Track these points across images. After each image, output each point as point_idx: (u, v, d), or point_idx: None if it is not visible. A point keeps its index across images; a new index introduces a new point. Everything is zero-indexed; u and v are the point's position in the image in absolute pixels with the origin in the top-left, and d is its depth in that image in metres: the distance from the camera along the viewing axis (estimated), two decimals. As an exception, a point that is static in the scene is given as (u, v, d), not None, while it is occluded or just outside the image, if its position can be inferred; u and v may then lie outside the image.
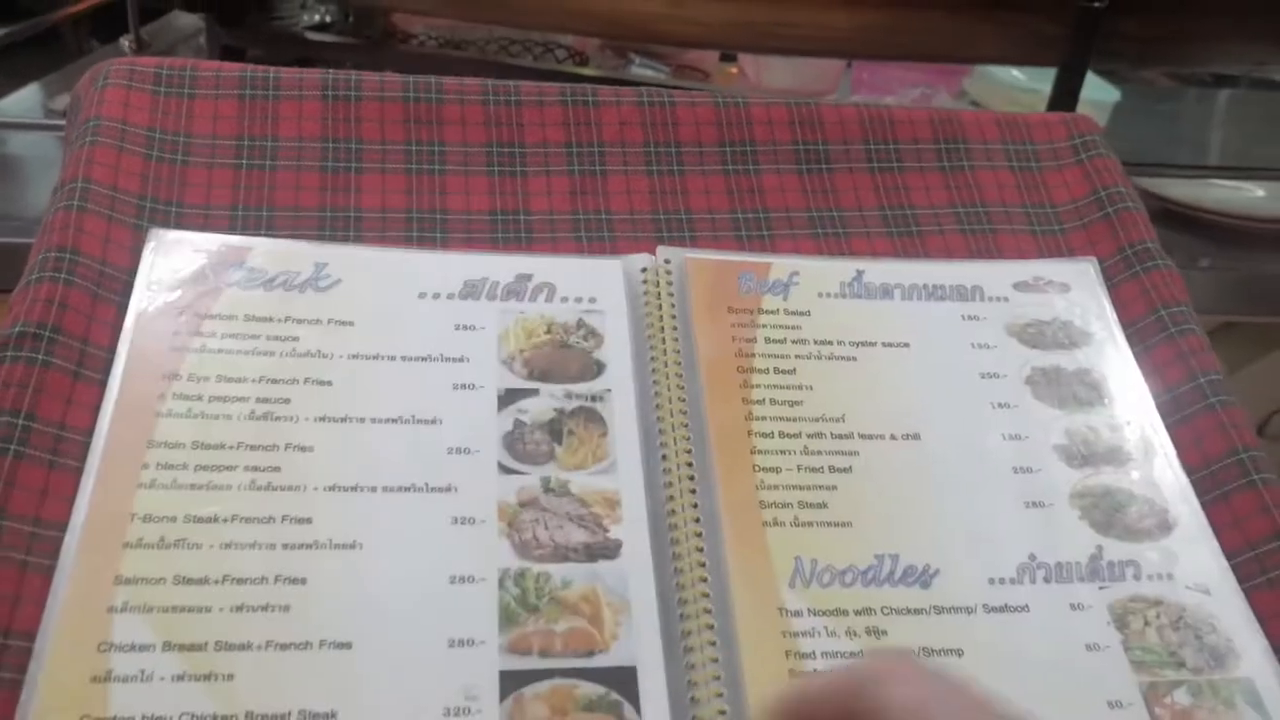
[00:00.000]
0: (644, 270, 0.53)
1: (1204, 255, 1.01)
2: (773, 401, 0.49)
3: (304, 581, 0.41)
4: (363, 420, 0.46)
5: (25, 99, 1.20)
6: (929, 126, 0.60)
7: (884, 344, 0.52)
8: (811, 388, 0.50)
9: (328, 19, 1.45)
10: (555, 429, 0.47)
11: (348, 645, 0.40)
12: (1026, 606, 0.44)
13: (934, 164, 0.60)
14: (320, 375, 0.47)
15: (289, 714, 0.38)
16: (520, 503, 0.44)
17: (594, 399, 0.48)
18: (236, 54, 1.26)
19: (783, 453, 0.47)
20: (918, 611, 0.43)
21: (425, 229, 0.54)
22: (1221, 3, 0.81)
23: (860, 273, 0.54)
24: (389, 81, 0.57)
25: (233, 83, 0.56)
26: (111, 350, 0.46)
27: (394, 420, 0.46)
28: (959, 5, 0.85)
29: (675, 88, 1.24)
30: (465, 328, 0.49)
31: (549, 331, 0.50)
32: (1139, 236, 0.56)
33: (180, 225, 0.51)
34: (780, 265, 0.54)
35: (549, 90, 0.58)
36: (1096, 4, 0.81)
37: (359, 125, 0.56)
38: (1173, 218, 1.05)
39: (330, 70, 0.57)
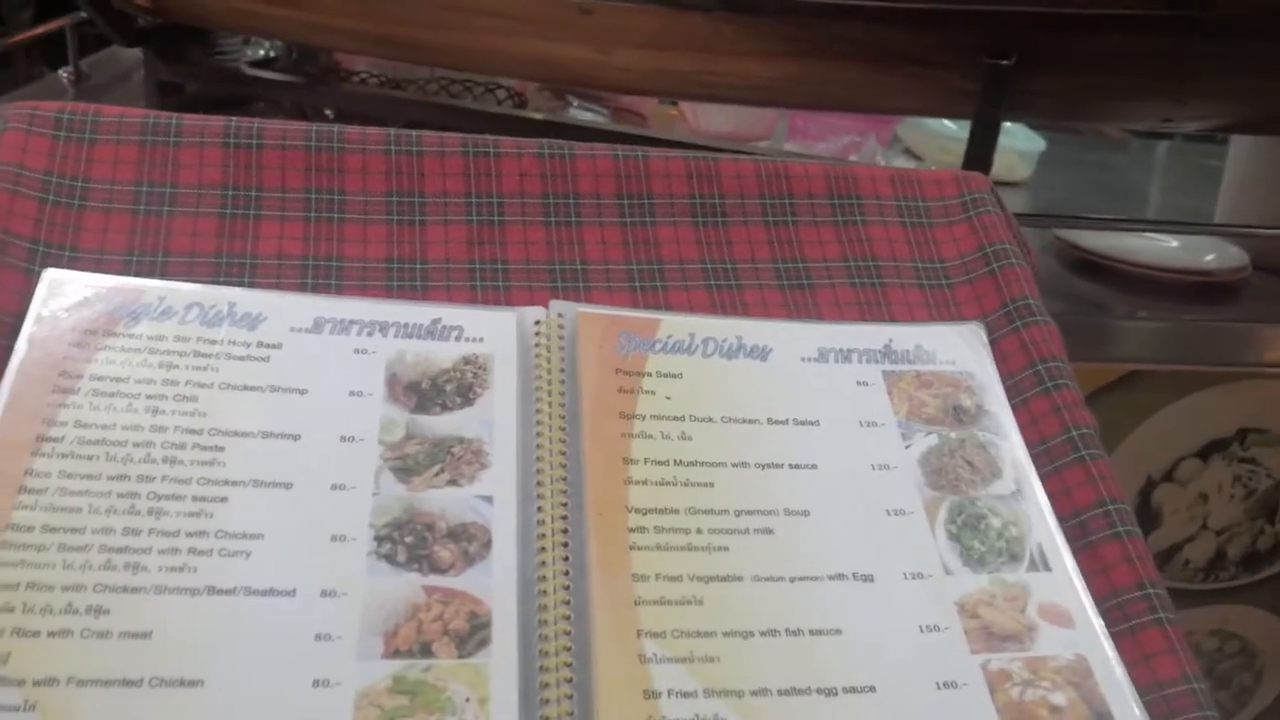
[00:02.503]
0: (537, 323, 0.53)
1: (1118, 304, 1.04)
2: (652, 464, 0.49)
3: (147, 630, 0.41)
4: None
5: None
6: (824, 182, 0.62)
7: (769, 420, 0.52)
8: (693, 463, 0.50)
9: (272, 54, 1.46)
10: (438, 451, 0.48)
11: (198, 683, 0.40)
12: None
13: (828, 219, 0.61)
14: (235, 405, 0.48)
15: None
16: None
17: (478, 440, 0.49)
18: (174, 89, 1.27)
19: (659, 529, 0.47)
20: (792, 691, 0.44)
21: (321, 276, 0.54)
22: (1123, 61, 0.83)
23: (740, 338, 0.55)
24: (291, 130, 0.58)
25: (135, 128, 0.56)
26: (-7, 395, 0.46)
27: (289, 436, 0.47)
28: (873, 59, 0.87)
29: (612, 132, 1.26)
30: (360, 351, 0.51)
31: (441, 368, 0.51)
32: (1021, 292, 0.58)
33: (74, 269, 0.51)
34: (669, 324, 0.55)
35: (451, 141, 0.59)
36: (1005, 61, 0.83)
37: (260, 173, 0.56)
38: (1090, 267, 1.08)
39: (233, 119, 0.57)
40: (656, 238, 0.59)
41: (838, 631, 0.45)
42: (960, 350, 0.57)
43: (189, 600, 0.42)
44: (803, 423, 0.52)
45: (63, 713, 0.38)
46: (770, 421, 0.52)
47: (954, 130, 1.34)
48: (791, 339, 0.55)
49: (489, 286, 0.56)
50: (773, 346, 0.55)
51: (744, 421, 0.52)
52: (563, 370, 0.52)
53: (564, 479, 0.48)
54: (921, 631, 0.46)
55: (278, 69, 1.39)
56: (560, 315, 0.54)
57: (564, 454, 0.49)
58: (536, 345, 0.53)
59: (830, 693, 0.43)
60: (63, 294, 0.50)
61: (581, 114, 1.35)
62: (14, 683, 0.39)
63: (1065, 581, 0.49)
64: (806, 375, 0.54)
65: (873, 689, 0.44)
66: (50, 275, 0.50)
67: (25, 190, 0.53)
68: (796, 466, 0.50)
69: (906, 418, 0.53)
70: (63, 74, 1.37)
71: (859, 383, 0.54)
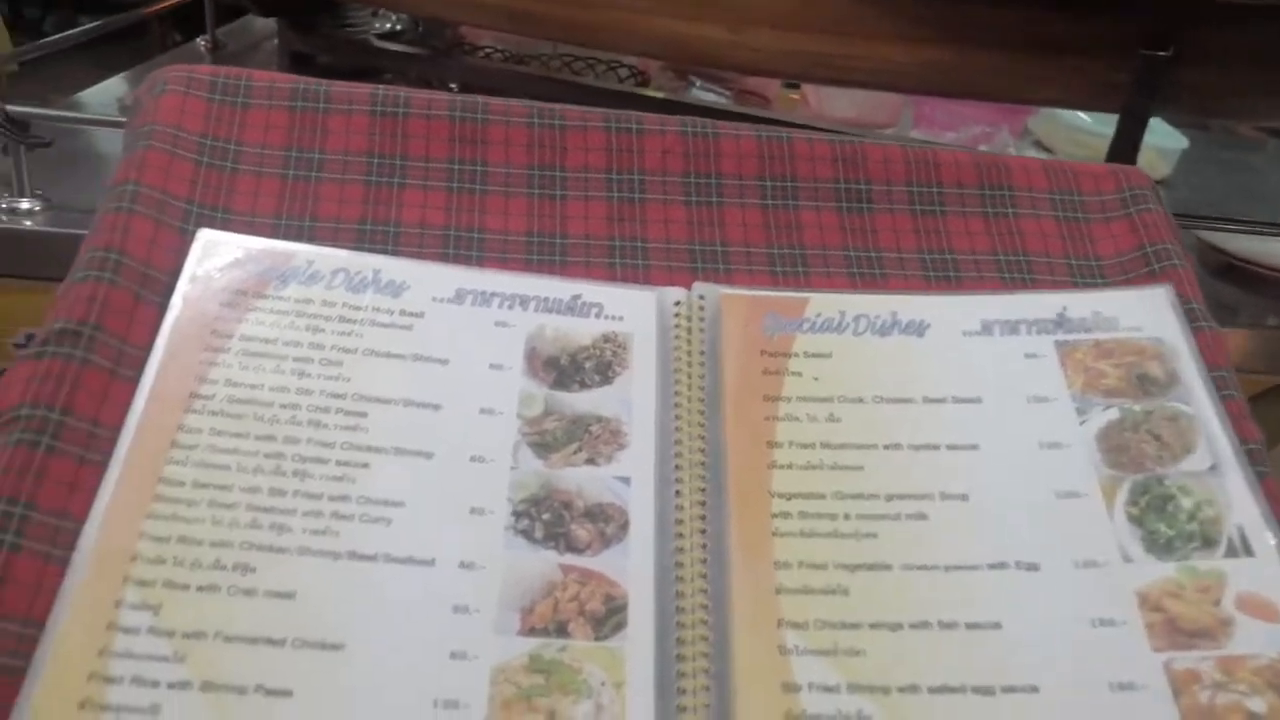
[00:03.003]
0: (677, 304, 0.53)
1: (1268, 312, 0.99)
2: (797, 448, 0.47)
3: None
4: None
5: (109, 89, 1.24)
6: (974, 171, 0.60)
7: (925, 399, 0.50)
8: (841, 445, 0.48)
9: (398, 27, 1.47)
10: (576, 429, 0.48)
11: (339, 646, 0.40)
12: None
13: (977, 209, 0.59)
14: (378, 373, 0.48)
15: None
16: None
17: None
18: (306, 60, 1.29)
19: (804, 515, 0.46)
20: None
21: (462, 247, 0.54)
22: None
23: (895, 314, 0.53)
24: (436, 100, 0.58)
25: (285, 94, 0.57)
26: (148, 351, 0.47)
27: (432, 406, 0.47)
28: (1022, 46, 0.84)
29: (734, 113, 1.24)
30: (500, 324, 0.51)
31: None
32: (1185, 296, 0.55)
33: (226, 230, 0.52)
34: (817, 302, 0.53)
35: (593, 116, 0.58)
36: (1162, 53, 0.79)
37: (405, 141, 0.57)
38: (1235, 272, 1.03)
39: (380, 86, 0.58)
40: (799, 221, 0.58)
41: (997, 625, 0.42)
42: (1147, 315, 0.52)
43: (331, 564, 0.42)
44: (963, 400, 0.49)
45: (210, 666, 0.39)
46: (926, 400, 0.49)
47: (1088, 123, 1.29)
48: (952, 313, 0.53)
49: (628, 264, 0.55)
50: (930, 322, 0.52)
51: (897, 401, 0.49)
52: (703, 352, 0.51)
53: (703, 463, 0.47)
54: (1094, 626, 0.42)
55: (404, 42, 1.40)
56: (702, 297, 0.53)
57: (703, 437, 0.48)
58: (676, 326, 0.52)
59: (987, 692, 0.40)
60: (216, 254, 0.50)
61: (704, 94, 1.34)
62: (165, 633, 0.39)
63: (1272, 568, 0.43)
64: (968, 350, 0.51)
65: (1035, 689, 0.40)
66: (205, 235, 0.51)
67: (182, 152, 0.54)
68: (955, 447, 0.48)
69: (1082, 391, 0.49)
70: (200, 42, 1.41)
71: (1028, 355, 0.51)
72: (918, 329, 0.52)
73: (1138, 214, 0.59)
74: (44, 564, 0.41)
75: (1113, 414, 0.48)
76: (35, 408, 0.44)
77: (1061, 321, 0.52)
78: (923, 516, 0.45)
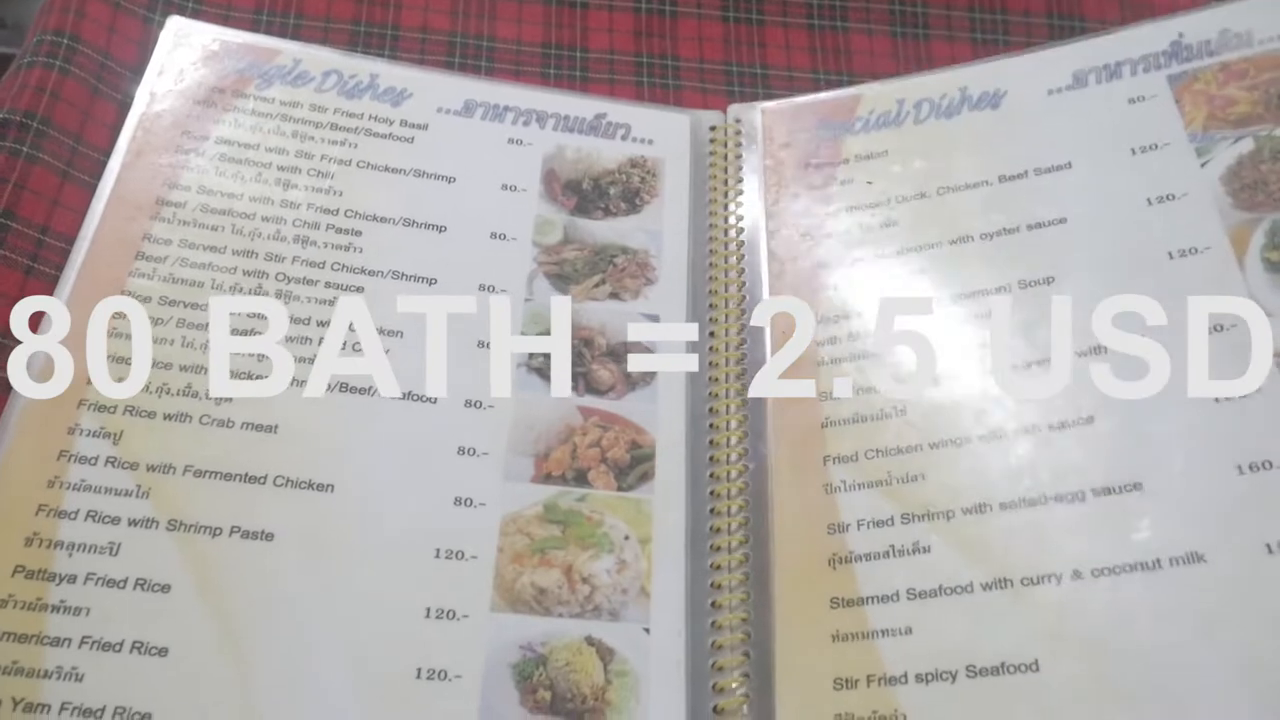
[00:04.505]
0: (713, 128, 0.46)
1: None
2: (846, 266, 0.41)
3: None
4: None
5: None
6: (1043, -1, 0.53)
7: (1000, 178, 0.42)
8: (897, 252, 0.41)
9: None
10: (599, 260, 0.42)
11: (328, 487, 0.35)
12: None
13: (1044, 39, 0.53)
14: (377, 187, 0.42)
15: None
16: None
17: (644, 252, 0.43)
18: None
19: (853, 336, 0.40)
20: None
21: (469, 55, 0.48)
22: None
23: (965, 89, 0.45)
24: (443, -112, 0.50)
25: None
26: (106, 153, 0.41)
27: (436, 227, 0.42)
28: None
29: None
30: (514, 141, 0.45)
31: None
32: None
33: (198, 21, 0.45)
34: (871, 96, 0.46)
35: (621, -85, 0.51)
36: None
37: (405, -66, 0.50)
38: None
39: None
40: (848, 46, 0.51)
41: (1088, 420, 0.36)
42: None
43: (320, 395, 0.37)
44: (1046, 170, 0.42)
45: (178, 503, 0.34)
46: (1002, 180, 0.42)
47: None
48: (1035, 71, 0.45)
49: (656, 83, 0.49)
50: (1008, 89, 0.45)
51: (965, 188, 0.43)
52: (740, 179, 0.45)
53: (741, 298, 0.41)
54: (1217, 402, 0.35)
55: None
56: (739, 120, 0.47)
57: (741, 270, 0.42)
58: (712, 152, 0.46)
59: (1075, 498, 0.34)
60: (188, 46, 0.44)
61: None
62: (126, 465, 0.34)
63: None
64: (1054, 111, 0.44)
65: (1138, 486, 0.34)
66: (175, 24, 0.44)
67: (147, -71, 0.46)
68: (1038, 226, 0.41)
69: (1204, 129, 0.41)
70: None
71: (1132, 100, 0.43)
72: (992, 100, 0.45)
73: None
74: (-16, 385, 0.35)
75: (1245, 146, 0.40)
76: (-27, 206, 0.38)
77: (1177, 51, 0.44)
78: (990, 315, 0.39)
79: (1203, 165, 0.40)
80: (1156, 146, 0.41)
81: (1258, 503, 0.33)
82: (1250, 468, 0.33)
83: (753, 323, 0.41)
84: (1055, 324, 0.38)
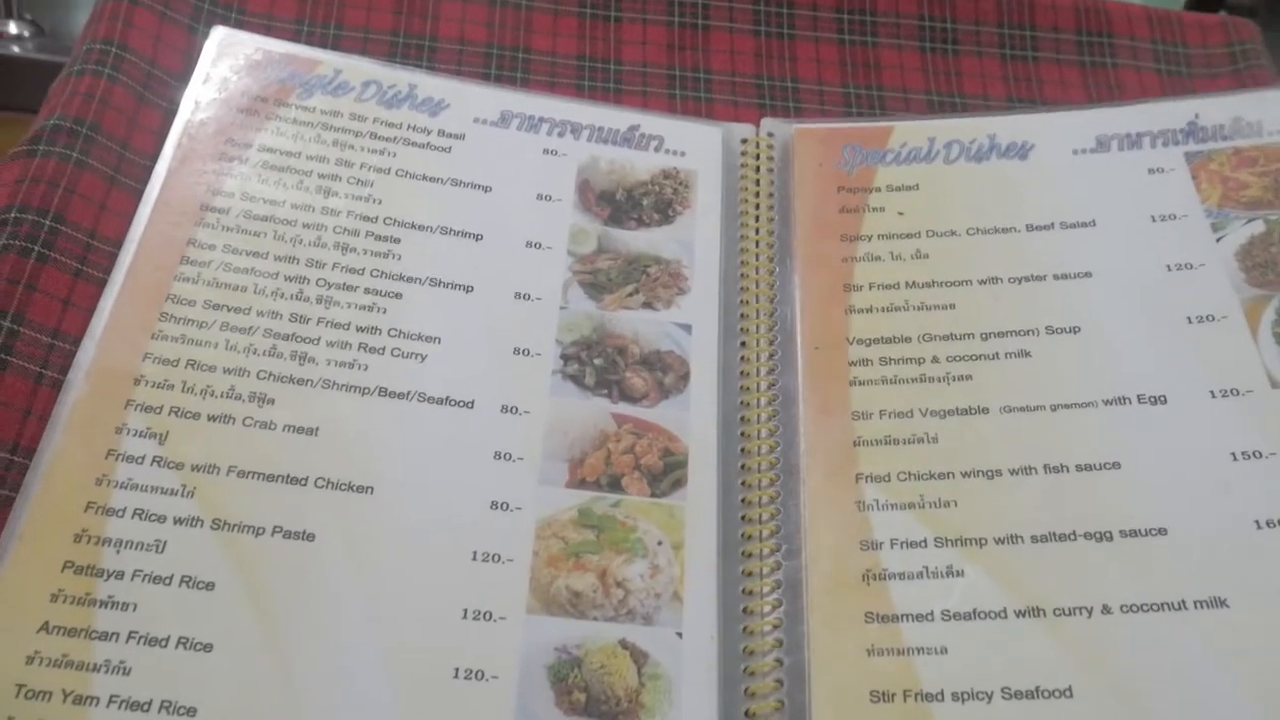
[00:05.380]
0: (744, 141, 0.47)
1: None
2: (879, 289, 0.43)
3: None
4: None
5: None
6: (1072, 15, 0.54)
7: (1028, 227, 0.44)
8: (928, 284, 0.43)
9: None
10: (632, 270, 0.43)
11: (368, 489, 0.36)
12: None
13: (1073, 56, 0.53)
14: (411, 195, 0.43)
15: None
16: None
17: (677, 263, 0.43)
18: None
19: (886, 361, 0.41)
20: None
21: (505, 66, 0.49)
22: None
23: (994, 137, 0.47)
24: (480, -98, 0.51)
25: (309, -114, 0.50)
26: (152, 159, 0.42)
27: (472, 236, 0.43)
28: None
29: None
30: (549, 152, 0.45)
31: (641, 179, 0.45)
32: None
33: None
34: (903, 130, 0.47)
35: (655, -70, 0.52)
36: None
37: (443, -53, 0.50)
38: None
39: (417, -117, 0.51)
40: (878, 60, 0.52)
41: (1115, 465, 0.37)
42: None
43: (359, 400, 0.37)
44: (1073, 225, 0.44)
45: (222, 503, 0.35)
46: (1030, 229, 0.44)
47: None
48: (1062, 130, 0.47)
49: (689, 96, 0.50)
50: (1035, 142, 0.46)
51: (995, 232, 0.44)
52: (772, 193, 0.46)
53: (772, 311, 0.42)
54: (1235, 460, 0.37)
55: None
56: (771, 134, 0.47)
57: (773, 284, 0.43)
58: (743, 165, 0.46)
59: (1103, 537, 0.36)
60: (232, 55, 0.45)
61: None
62: (171, 464, 0.35)
63: None
64: (1080, 170, 0.45)
65: (1163, 531, 0.36)
66: (220, 34, 0.45)
67: (193, -59, 0.47)
68: (1064, 277, 0.42)
69: (1219, 205, 0.44)
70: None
71: (1152, 171, 0.45)
72: (1020, 151, 0.46)
73: (1246, 70, 0.53)
74: (34, 385, 0.36)
75: (1257, 227, 0.43)
76: (25, 211, 0.39)
77: (1193, 130, 0.46)
78: (1025, 354, 0.40)
79: (1218, 240, 0.43)
80: (1175, 216, 0.43)
81: (1275, 556, 0.35)
82: (1267, 524, 0.35)
83: (784, 336, 0.41)
84: (1082, 371, 0.40)
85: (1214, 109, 0.46)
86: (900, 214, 0.44)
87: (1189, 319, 0.40)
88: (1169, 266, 0.42)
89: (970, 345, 0.41)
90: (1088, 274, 0.42)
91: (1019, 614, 0.34)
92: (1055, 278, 0.42)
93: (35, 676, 0.31)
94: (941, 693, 0.33)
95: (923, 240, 0.44)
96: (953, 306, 0.42)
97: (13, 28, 0.83)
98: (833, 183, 0.46)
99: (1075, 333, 0.41)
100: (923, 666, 0.34)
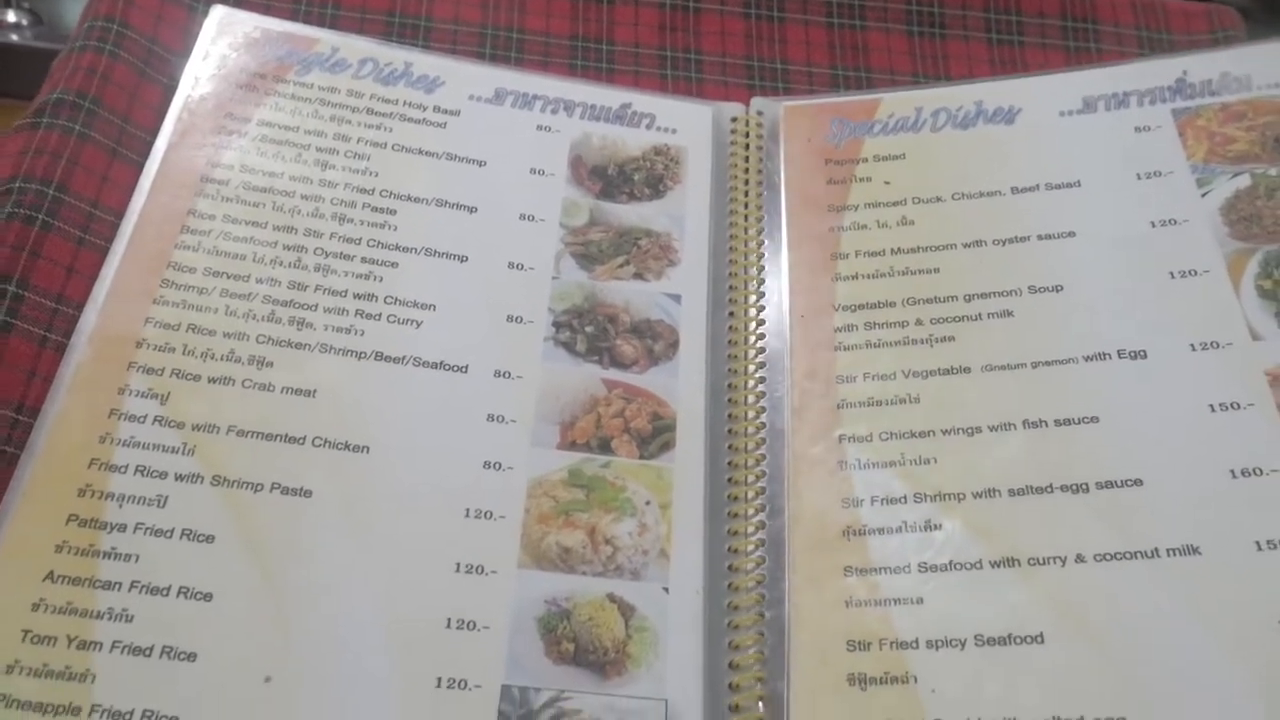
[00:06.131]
0: (734, 119, 0.48)
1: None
2: (865, 257, 0.43)
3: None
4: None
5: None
6: (1058, 0, 0.55)
7: (1013, 189, 0.45)
8: (914, 249, 0.43)
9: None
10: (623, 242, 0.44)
11: (364, 449, 0.37)
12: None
13: (1058, 41, 0.54)
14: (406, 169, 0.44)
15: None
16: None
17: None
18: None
19: (870, 325, 0.42)
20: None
21: (500, 46, 0.50)
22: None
23: (980, 103, 0.48)
24: (476, -114, 0.52)
25: None
26: (152, 133, 0.43)
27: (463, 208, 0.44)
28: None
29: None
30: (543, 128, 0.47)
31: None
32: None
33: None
34: (891, 101, 0.48)
35: (646, -84, 0.53)
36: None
37: (439, -70, 0.51)
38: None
39: None
40: (866, 43, 0.53)
41: (1094, 420, 0.38)
42: None
43: (355, 364, 0.38)
44: (1057, 186, 0.44)
45: (222, 461, 0.35)
46: (1015, 191, 0.45)
47: None
48: (1048, 93, 0.48)
49: (680, 76, 0.51)
50: (1022, 106, 0.47)
51: (980, 196, 0.45)
52: (761, 169, 0.47)
53: (760, 281, 0.43)
54: (1213, 411, 0.37)
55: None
56: (760, 113, 0.48)
57: (761, 255, 0.44)
58: (733, 142, 0.47)
59: (1079, 489, 0.37)
60: (231, 33, 0.46)
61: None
62: (173, 424, 0.36)
63: None
64: (1065, 131, 0.46)
65: (1139, 482, 0.36)
66: (219, 12, 0.46)
67: (194, -79, 0.48)
68: (1047, 237, 0.43)
69: (1204, 161, 0.44)
70: None
71: (1138, 129, 0.45)
72: (1006, 116, 0.47)
73: (1228, 57, 0.54)
74: (39, 348, 0.37)
75: (1242, 181, 0.43)
76: (29, 181, 0.40)
77: (1181, 87, 0.46)
78: (1008, 314, 0.41)
79: (1203, 195, 0.43)
80: (1160, 174, 0.44)
81: (1249, 505, 0.35)
82: (1242, 473, 0.36)
83: (771, 306, 0.42)
84: (1064, 328, 0.40)
85: (1202, 65, 0.47)
86: (886, 183, 0.45)
87: (1171, 274, 0.41)
88: (1153, 223, 0.43)
89: (954, 307, 0.42)
90: (1071, 234, 0.43)
91: (994, 564, 0.35)
92: (1039, 238, 0.43)
93: (41, 623, 0.32)
94: (916, 640, 0.34)
95: (909, 207, 0.45)
96: (937, 270, 0.43)
97: (11, 16, 0.84)
98: (820, 156, 0.47)
99: (1058, 291, 0.41)
100: (899, 616, 0.35)
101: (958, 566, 0.35)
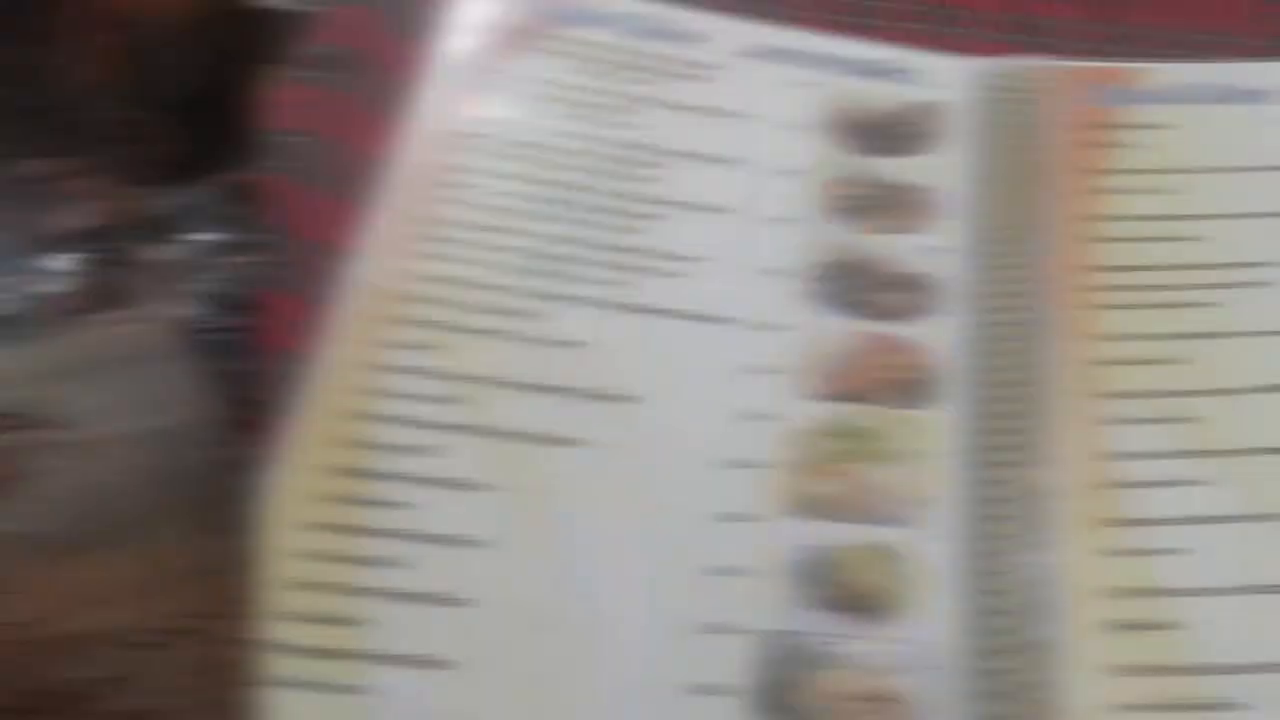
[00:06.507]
0: (993, 76, 0.46)
1: None
2: (1127, 221, 0.42)
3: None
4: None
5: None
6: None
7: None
8: (1175, 216, 0.42)
9: None
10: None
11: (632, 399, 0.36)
12: None
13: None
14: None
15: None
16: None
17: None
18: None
19: (1133, 288, 0.40)
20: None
21: (759, 1, 0.48)
22: None
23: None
24: None
25: None
26: (414, 87, 0.43)
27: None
28: None
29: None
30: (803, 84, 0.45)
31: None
32: None
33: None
34: (1157, 73, 0.46)
35: None
36: None
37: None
38: None
39: None
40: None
41: None
42: None
43: (621, 316, 0.38)
44: None
45: (492, 411, 0.36)
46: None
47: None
48: None
49: (936, 31, 0.49)
50: None
51: (1247, 170, 0.43)
52: (1019, 126, 0.45)
53: (1020, 239, 0.42)
54: None
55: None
56: (1019, 69, 0.46)
57: (1021, 214, 0.42)
58: (991, 99, 0.46)
59: None
60: (493, -9, 0.46)
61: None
62: (441, 375, 0.36)
63: None
64: None
65: None
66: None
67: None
68: None
69: None
70: None
71: None
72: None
73: None
74: (304, 301, 0.38)
75: None
76: (293, 135, 0.40)
77: None
78: (1268, 284, 0.40)
79: None
80: None
81: None
82: None
83: (1031, 263, 0.41)
84: None
85: None
86: (1150, 150, 0.44)
87: None
88: None
89: (1223, 274, 0.41)
90: None
91: (1259, 518, 0.35)
92: None
93: (311, 571, 0.32)
94: (1183, 588, 0.33)
95: (1172, 176, 0.43)
96: (1198, 239, 0.42)
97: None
98: (1081, 119, 0.45)
99: None
100: (1165, 565, 0.34)
101: (1225, 519, 0.35)
